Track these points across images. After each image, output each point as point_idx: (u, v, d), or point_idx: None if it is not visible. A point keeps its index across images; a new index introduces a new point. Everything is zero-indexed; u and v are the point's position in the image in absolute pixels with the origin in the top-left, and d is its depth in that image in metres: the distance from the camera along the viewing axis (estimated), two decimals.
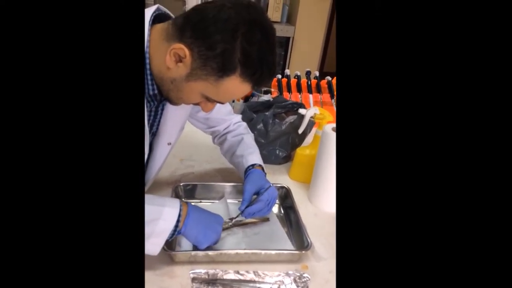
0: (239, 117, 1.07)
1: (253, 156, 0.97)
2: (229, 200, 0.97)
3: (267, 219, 0.90)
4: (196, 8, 0.65)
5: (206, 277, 0.71)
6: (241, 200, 0.87)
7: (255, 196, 0.88)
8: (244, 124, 1.07)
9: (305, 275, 0.74)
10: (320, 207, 0.99)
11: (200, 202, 0.97)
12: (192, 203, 0.82)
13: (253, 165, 0.95)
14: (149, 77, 0.71)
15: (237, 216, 0.87)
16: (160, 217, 0.68)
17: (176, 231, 0.71)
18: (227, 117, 1.03)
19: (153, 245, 0.69)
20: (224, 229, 0.83)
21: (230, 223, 0.86)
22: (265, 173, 0.95)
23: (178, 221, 0.70)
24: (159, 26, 0.70)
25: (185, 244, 0.79)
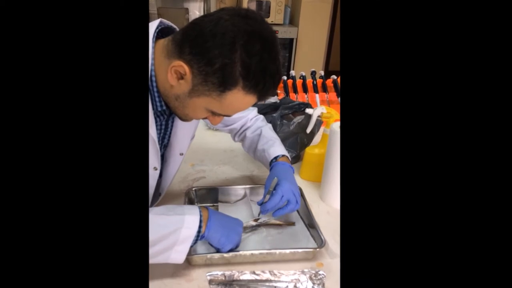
0: (255, 111, 1.06)
1: (275, 148, 0.96)
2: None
3: (293, 224, 0.90)
4: (193, 23, 0.64)
5: (223, 278, 0.72)
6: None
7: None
8: (261, 117, 1.06)
9: (320, 272, 0.75)
10: (332, 205, 1.00)
11: (213, 205, 0.98)
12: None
13: (276, 157, 0.95)
14: (156, 94, 0.71)
15: (259, 215, 0.87)
16: (182, 225, 0.69)
17: (199, 236, 0.71)
18: (243, 113, 1.02)
19: (177, 253, 0.69)
20: (248, 228, 0.84)
21: (254, 223, 0.86)
22: (290, 160, 0.96)
23: (200, 226, 0.71)
24: (161, 42, 0.69)
25: (200, 248, 0.80)
